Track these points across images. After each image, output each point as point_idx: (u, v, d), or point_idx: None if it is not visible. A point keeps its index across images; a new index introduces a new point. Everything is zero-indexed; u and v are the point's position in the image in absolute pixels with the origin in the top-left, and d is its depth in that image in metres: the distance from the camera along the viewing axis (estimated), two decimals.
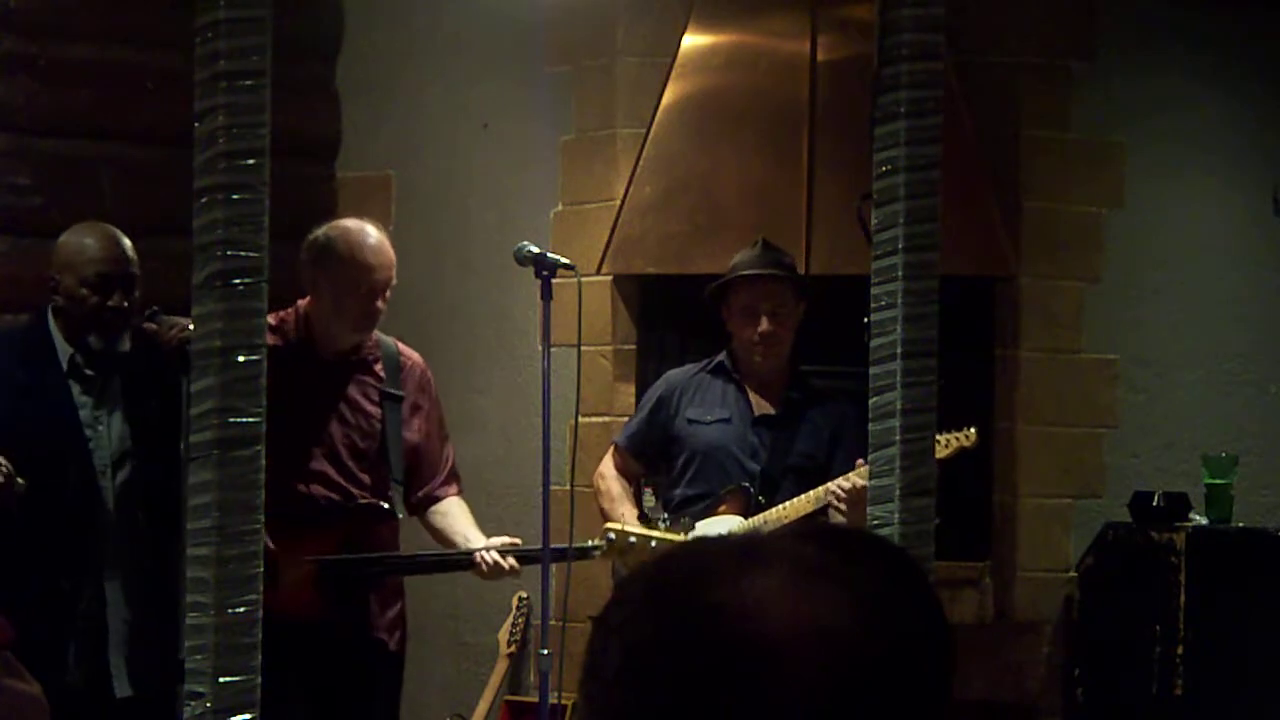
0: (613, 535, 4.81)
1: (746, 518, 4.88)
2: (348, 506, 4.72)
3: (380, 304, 4.76)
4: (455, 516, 4.91)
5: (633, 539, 4.80)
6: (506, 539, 4.80)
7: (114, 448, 4.73)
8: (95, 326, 4.69)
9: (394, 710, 5.03)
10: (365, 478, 4.77)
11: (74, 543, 4.66)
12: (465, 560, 4.79)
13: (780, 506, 4.89)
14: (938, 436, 4.82)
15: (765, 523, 4.82)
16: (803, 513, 4.86)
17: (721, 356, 5.15)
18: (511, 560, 4.73)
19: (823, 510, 4.86)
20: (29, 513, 4.49)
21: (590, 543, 4.84)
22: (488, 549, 4.72)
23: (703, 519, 4.92)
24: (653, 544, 4.76)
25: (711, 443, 5.05)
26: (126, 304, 4.68)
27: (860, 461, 4.79)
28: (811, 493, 4.86)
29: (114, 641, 4.68)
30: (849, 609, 1.17)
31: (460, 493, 4.99)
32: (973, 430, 4.94)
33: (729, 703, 1.15)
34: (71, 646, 4.65)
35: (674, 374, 5.23)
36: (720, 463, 5.03)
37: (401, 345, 4.96)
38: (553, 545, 4.61)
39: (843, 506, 4.71)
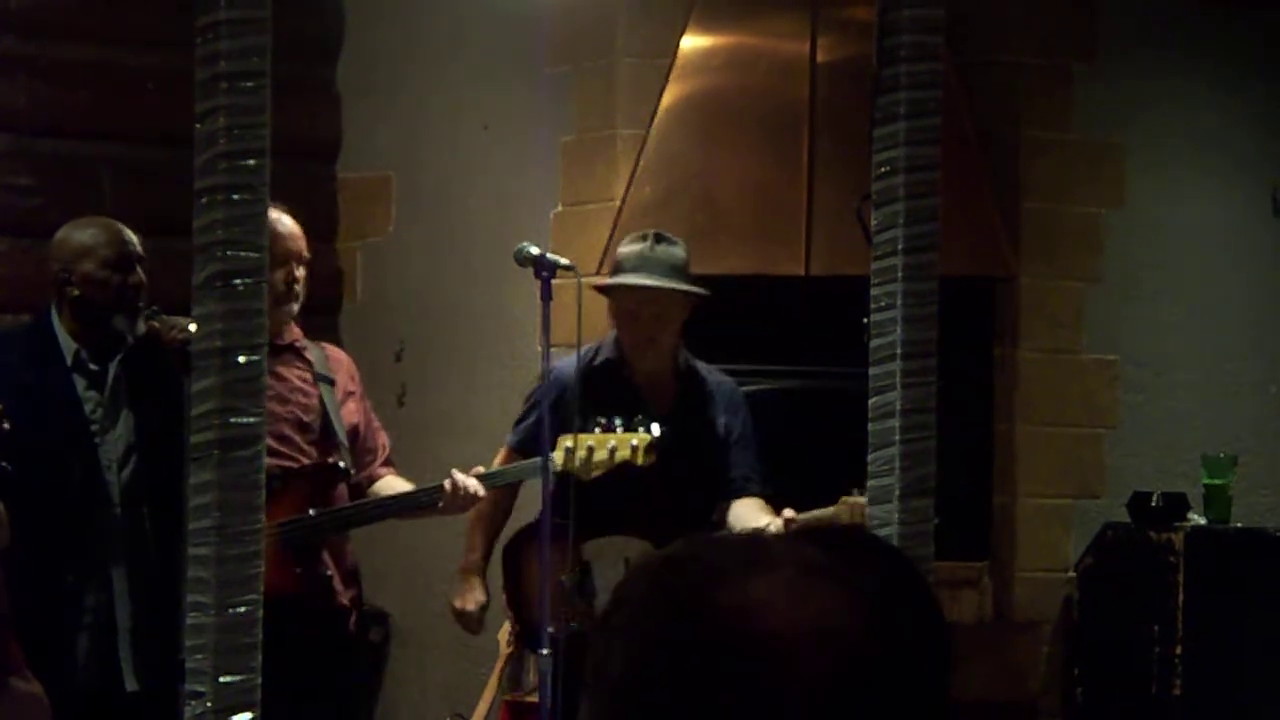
0: (569, 445, 4.71)
1: (654, 542, 4.77)
2: (300, 470, 4.75)
3: (290, 275, 4.79)
4: (395, 485, 4.96)
5: (590, 443, 4.70)
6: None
7: (120, 444, 4.75)
8: (120, 307, 4.71)
9: (362, 685, 5.05)
10: (312, 449, 4.83)
11: (79, 539, 4.67)
12: (430, 497, 4.78)
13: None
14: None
15: None
16: None
17: (609, 352, 5.01)
18: (476, 484, 4.72)
19: None
20: (34, 510, 4.50)
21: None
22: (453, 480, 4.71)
23: (609, 532, 4.84)
24: (611, 445, 4.68)
25: None
26: (144, 281, 4.74)
27: (789, 512, 4.74)
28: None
29: (122, 637, 4.70)
30: (850, 609, 1.18)
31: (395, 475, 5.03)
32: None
33: (730, 702, 1.15)
34: (79, 643, 4.66)
35: (564, 370, 4.96)
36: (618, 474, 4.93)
37: (327, 345, 5.08)
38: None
39: None
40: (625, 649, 1.19)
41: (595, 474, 4.72)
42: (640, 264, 4.92)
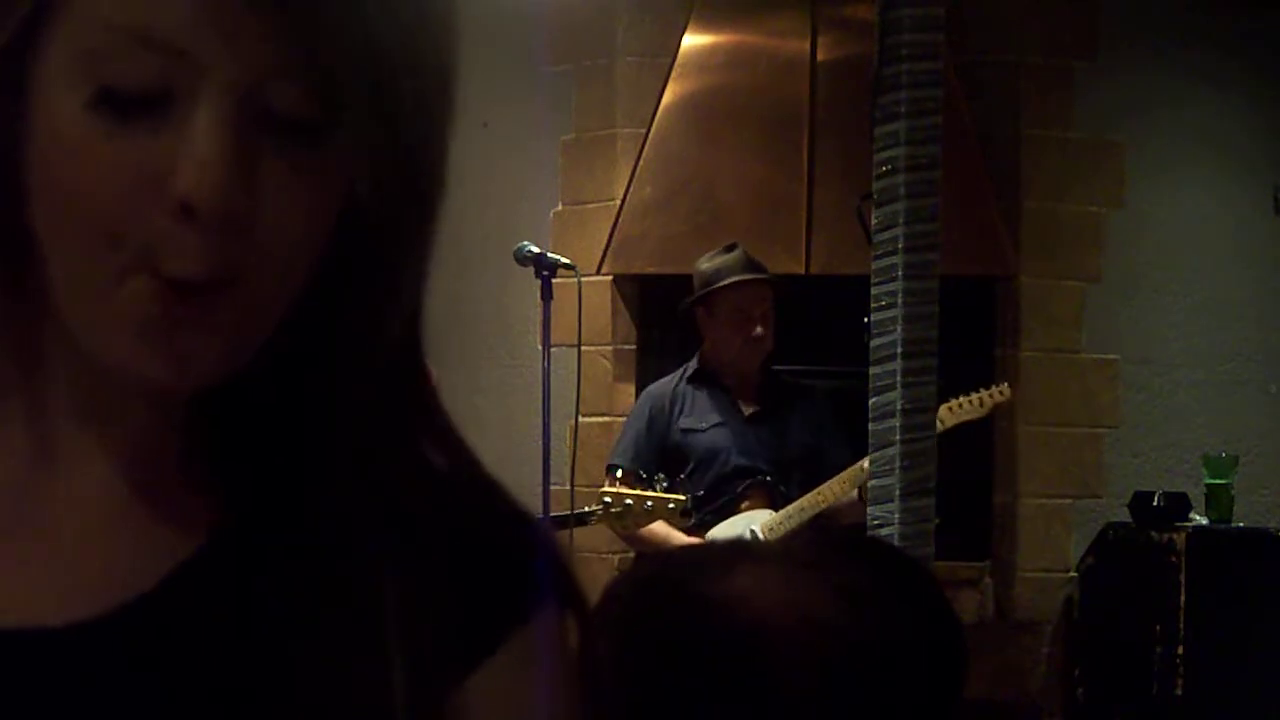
0: (608, 499, 4.69)
1: (776, 509, 4.83)
2: None
3: None
4: None
5: (628, 500, 4.68)
6: None
7: None
8: None
9: None
10: None
11: None
12: None
13: (815, 491, 4.82)
14: (973, 396, 4.88)
15: (802, 510, 4.77)
16: (839, 496, 4.80)
17: (695, 365, 5.03)
18: None
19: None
20: None
21: (588, 509, 4.72)
22: None
23: (726, 517, 4.85)
24: (647, 504, 4.66)
25: (712, 447, 4.99)
26: None
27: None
28: (846, 472, 4.78)
29: None
30: (835, 600, 1.18)
31: None
32: (1006, 387, 4.96)
33: (716, 689, 1.15)
34: None
35: (654, 388, 5.09)
36: (723, 464, 4.98)
37: None
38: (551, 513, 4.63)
39: None
40: (613, 643, 1.20)
41: (627, 530, 4.73)
42: (740, 268, 4.94)
